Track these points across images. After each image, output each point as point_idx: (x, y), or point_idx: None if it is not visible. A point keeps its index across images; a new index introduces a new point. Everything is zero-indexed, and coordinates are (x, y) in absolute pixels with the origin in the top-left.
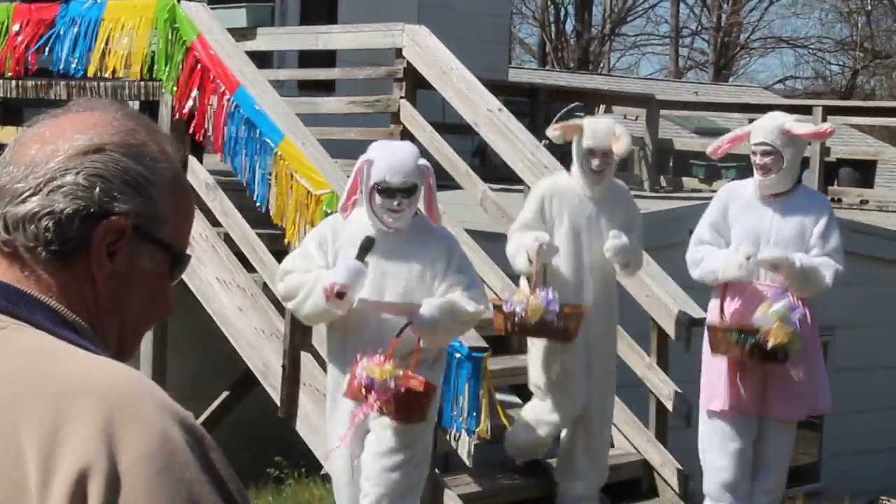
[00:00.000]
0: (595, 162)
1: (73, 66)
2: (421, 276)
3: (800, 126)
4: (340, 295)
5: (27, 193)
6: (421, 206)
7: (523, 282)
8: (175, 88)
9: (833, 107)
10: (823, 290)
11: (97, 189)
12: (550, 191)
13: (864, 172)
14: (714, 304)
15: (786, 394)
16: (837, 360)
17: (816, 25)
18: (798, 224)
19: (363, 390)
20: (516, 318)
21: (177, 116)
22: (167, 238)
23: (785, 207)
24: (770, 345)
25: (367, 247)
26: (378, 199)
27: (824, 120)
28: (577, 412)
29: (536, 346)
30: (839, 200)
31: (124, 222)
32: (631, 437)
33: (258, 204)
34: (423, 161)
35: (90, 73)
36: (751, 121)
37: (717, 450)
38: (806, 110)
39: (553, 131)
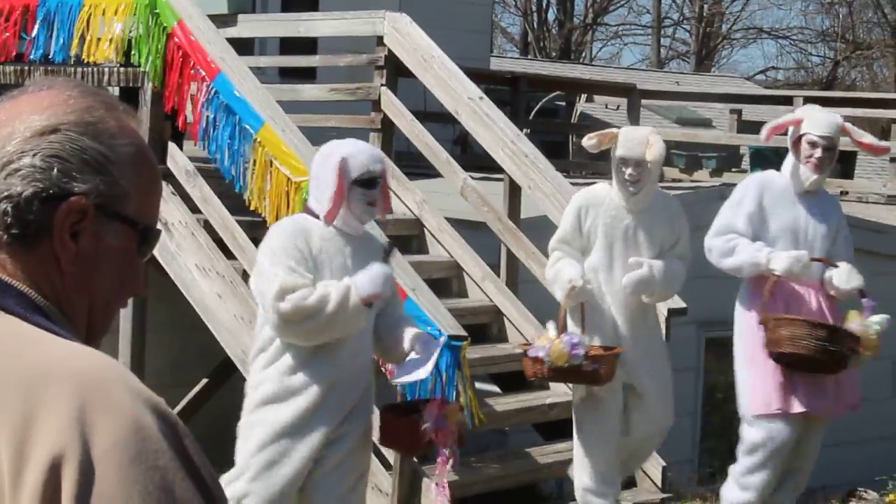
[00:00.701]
0: (628, 171)
1: (54, 51)
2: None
3: (860, 133)
4: (369, 305)
5: None
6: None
7: (550, 325)
8: (158, 75)
9: (814, 97)
10: None
11: (55, 170)
12: (587, 202)
13: (844, 164)
14: (746, 298)
15: (841, 389)
16: None
17: (798, 16)
18: (827, 223)
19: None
20: (544, 364)
21: (166, 104)
22: (132, 214)
23: (815, 206)
24: (864, 355)
25: (391, 252)
26: (358, 192)
27: None
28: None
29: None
30: None
31: (85, 202)
32: None
33: (238, 190)
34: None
35: (72, 59)
36: (732, 111)
37: (767, 453)
38: (787, 101)
39: (588, 140)
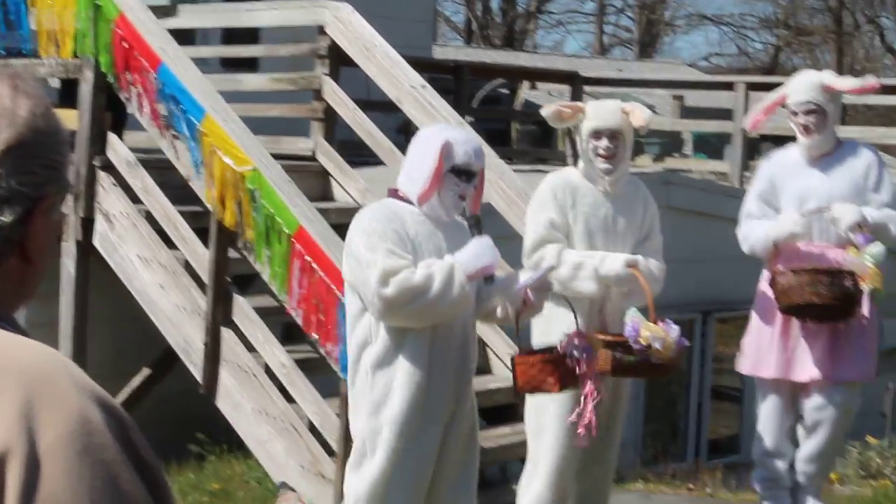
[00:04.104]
0: (603, 144)
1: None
2: None
3: (842, 81)
4: (490, 279)
5: None
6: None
7: (635, 312)
8: (110, 68)
9: (756, 83)
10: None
11: (27, 187)
12: (562, 184)
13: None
14: (764, 280)
15: (858, 352)
16: None
17: (740, 3)
18: (849, 181)
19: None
20: (632, 357)
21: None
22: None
23: (831, 167)
24: (867, 289)
25: (478, 220)
26: (453, 181)
27: (746, 97)
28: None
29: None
30: None
31: (51, 201)
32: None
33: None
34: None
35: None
36: (674, 97)
37: (772, 417)
38: (728, 86)
39: (547, 110)
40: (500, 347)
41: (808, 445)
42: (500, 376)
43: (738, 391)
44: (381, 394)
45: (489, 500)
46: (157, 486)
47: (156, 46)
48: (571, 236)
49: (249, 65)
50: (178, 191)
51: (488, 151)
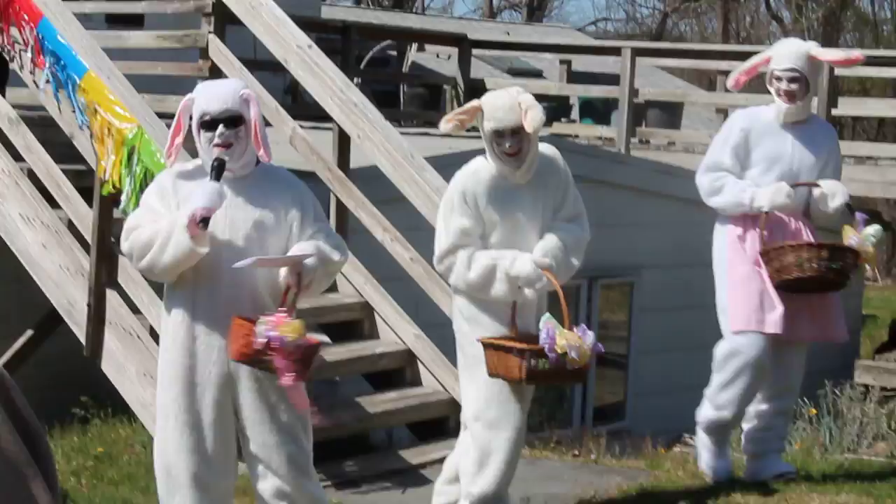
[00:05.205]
0: (506, 144)
1: None
2: (276, 223)
3: (828, 52)
4: (205, 221)
5: None
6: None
7: (549, 319)
8: None
9: (642, 49)
10: None
11: None
12: (470, 185)
13: (671, 114)
14: (732, 232)
15: (834, 314)
16: (644, 299)
17: None
18: (815, 152)
19: (267, 350)
20: (564, 364)
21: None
22: None
23: (803, 135)
24: (869, 268)
25: (220, 168)
26: (203, 135)
27: (633, 62)
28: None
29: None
30: (647, 142)
31: None
32: (439, 376)
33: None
34: (246, 91)
35: None
36: (562, 62)
37: (736, 368)
38: (615, 52)
39: (446, 123)
40: (389, 313)
41: (780, 403)
42: (386, 340)
43: (623, 357)
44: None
45: (375, 464)
46: (38, 447)
47: (38, 1)
48: (487, 234)
49: (135, 22)
50: (62, 149)
51: (375, 114)
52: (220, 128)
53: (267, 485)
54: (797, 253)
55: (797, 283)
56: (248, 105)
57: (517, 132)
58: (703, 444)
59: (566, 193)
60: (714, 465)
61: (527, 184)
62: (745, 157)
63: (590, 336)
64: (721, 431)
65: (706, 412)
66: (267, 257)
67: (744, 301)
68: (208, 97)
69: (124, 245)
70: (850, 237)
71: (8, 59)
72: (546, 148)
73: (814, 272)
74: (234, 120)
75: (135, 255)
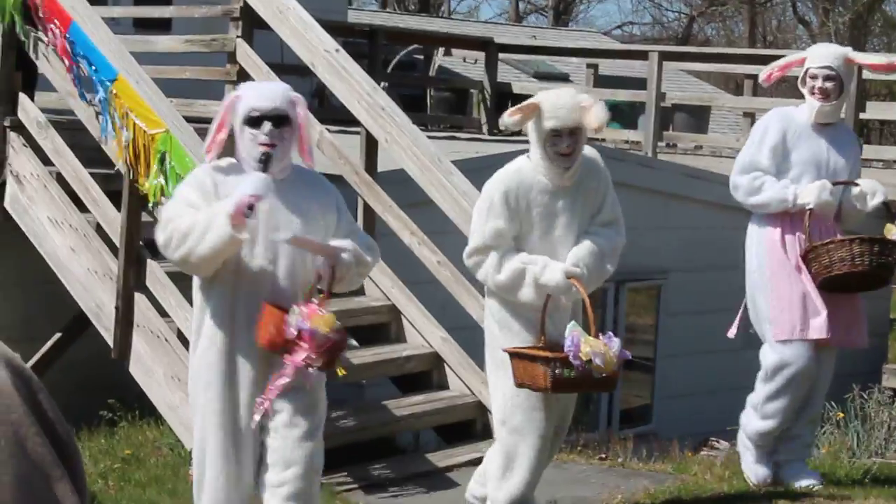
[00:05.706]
0: (564, 144)
1: None
2: (315, 226)
3: (868, 57)
4: (252, 208)
5: None
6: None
7: (575, 326)
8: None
9: (669, 52)
10: None
11: None
12: (514, 184)
13: (698, 118)
14: (770, 234)
15: (860, 320)
16: (671, 303)
17: None
18: (846, 155)
19: (298, 341)
20: (572, 373)
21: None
22: None
23: (834, 138)
24: None
25: (268, 160)
26: (248, 132)
27: (660, 66)
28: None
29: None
30: (674, 146)
31: None
32: (465, 379)
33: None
34: (295, 94)
35: None
36: (589, 66)
37: (787, 378)
38: (642, 55)
39: (510, 117)
40: (415, 316)
41: (809, 411)
42: (413, 344)
43: (650, 361)
44: (195, 361)
45: (402, 467)
46: (66, 449)
47: (66, 5)
48: (523, 235)
49: (162, 26)
50: (90, 152)
51: (402, 118)
52: (268, 126)
53: (280, 479)
54: (848, 248)
55: (844, 279)
56: (294, 107)
57: (575, 132)
58: (746, 447)
59: (605, 197)
60: (757, 469)
61: (567, 191)
62: (783, 160)
63: (615, 343)
64: (767, 440)
65: (753, 422)
66: (303, 237)
67: (787, 309)
68: (258, 94)
69: (160, 236)
70: (894, 233)
71: (37, 63)
72: (587, 150)
73: (865, 267)
74: (281, 119)
75: (172, 244)
